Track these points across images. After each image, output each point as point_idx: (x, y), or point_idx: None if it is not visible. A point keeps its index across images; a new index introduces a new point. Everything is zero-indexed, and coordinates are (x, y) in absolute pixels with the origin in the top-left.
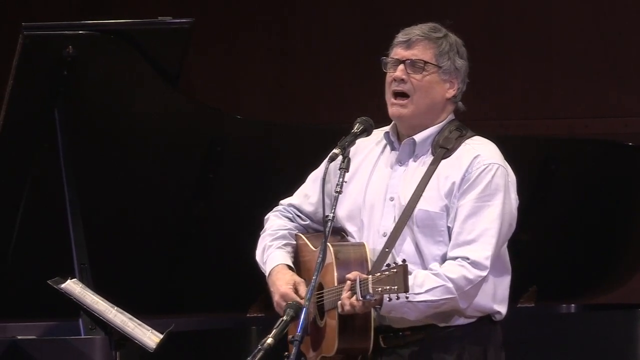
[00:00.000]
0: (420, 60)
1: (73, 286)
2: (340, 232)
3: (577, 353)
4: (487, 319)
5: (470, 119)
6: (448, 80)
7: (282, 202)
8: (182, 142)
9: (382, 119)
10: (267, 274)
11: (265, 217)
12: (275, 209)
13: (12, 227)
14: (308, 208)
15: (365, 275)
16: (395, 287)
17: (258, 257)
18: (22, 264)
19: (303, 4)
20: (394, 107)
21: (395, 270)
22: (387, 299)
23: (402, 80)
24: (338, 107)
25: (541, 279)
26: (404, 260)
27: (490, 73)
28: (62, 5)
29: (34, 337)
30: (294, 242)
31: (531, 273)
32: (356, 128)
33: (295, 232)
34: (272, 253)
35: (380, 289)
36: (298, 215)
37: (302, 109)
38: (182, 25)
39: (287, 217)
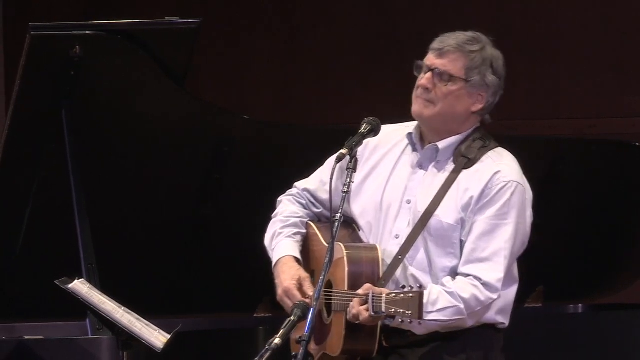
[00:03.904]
0: (446, 73)
1: (80, 286)
2: (351, 225)
3: (584, 353)
4: (490, 326)
5: None
6: (475, 93)
7: (297, 184)
8: (189, 142)
9: (388, 118)
10: (273, 263)
11: (278, 199)
12: (288, 192)
13: (19, 227)
14: (324, 195)
15: (379, 290)
16: (409, 313)
17: (267, 242)
18: (29, 264)
19: (309, 4)
20: (416, 104)
21: (411, 295)
22: (400, 321)
23: (427, 89)
24: (345, 107)
25: (548, 279)
26: (420, 286)
27: None
28: (68, 6)
29: (41, 337)
30: (305, 231)
31: (538, 273)
32: (363, 128)
33: (306, 220)
34: (281, 241)
35: (393, 310)
36: (312, 203)
37: (309, 109)
38: (189, 25)
39: (300, 204)
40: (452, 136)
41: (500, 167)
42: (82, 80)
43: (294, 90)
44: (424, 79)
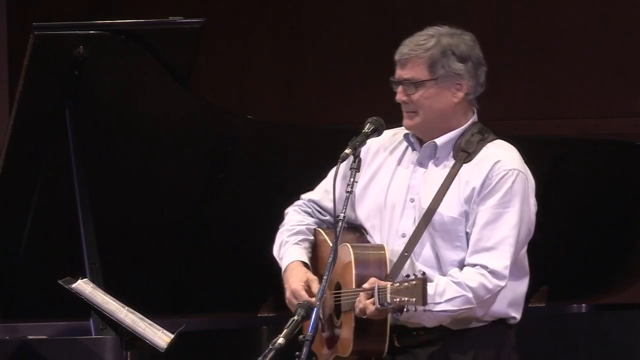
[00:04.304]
0: (411, 81)
1: (84, 286)
2: (359, 229)
3: (588, 353)
4: (501, 322)
5: (481, 119)
6: (450, 85)
7: (302, 196)
8: (192, 142)
9: (391, 119)
10: (282, 270)
11: (285, 211)
12: (295, 203)
13: (23, 227)
14: (329, 204)
15: (384, 283)
16: (414, 300)
17: (275, 252)
18: (32, 264)
19: (312, 5)
20: (405, 120)
21: (414, 282)
22: (406, 310)
23: (405, 102)
24: (346, 107)
25: (552, 278)
26: (423, 273)
27: (500, 74)
28: (71, 5)
29: (44, 337)
30: (312, 238)
31: (542, 273)
32: (367, 128)
33: (313, 227)
34: (288, 249)
35: (398, 300)
36: (318, 211)
37: (311, 109)
38: (193, 25)
39: (306, 212)
40: (448, 132)
41: (500, 156)
42: (86, 80)
43: (297, 90)
44: (398, 93)
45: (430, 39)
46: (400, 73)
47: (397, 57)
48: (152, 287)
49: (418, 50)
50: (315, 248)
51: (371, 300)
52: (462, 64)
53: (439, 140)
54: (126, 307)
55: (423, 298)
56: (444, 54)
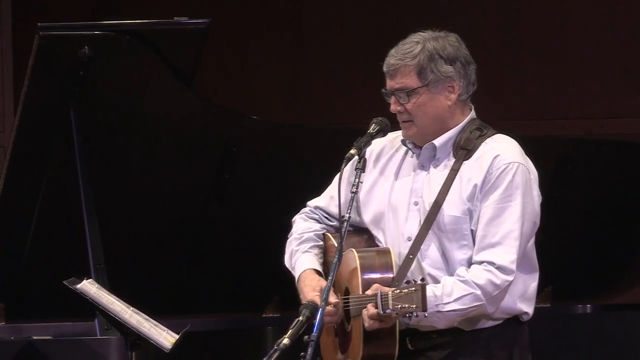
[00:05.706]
0: (403, 90)
1: (89, 286)
2: (367, 232)
3: (592, 353)
4: (514, 320)
5: (485, 119)
6: (443, 89)
7: (308, 203)
8: (197, 142)
9: (395, 119)
10: (296, 280)
11: (292, 219)
12: (301, 210)
13: (28, 228)
14: (335, 210)
15: (386, 289)
16: (414, 306)
17: (287, 263)
18: (37, 264)
19: (317, 6)
20: (402, 129)
21: (414, 288)
22: (408, 317)
23: (399, 112)
24: (352, 107)
25: (557, 279)
26: (422, 279)
27: (505, 74)
28: (74, 6)
29: (49, 337)
30: (322, 243)
31: (547, 273)
32: (372, 128)
33: (322, 232)
34: (299, 258)
35: (399, 306)
36: (325, 217)
37: (316, 109)
38: (198, 25)
39: (313, 219)
40: (447, 132)
41: (499, 150)
42: (91, 80)
43: (299, 90)
44: (392, 103)
45: (415, 45)
46: (390, 84)
47: (385, 68)
48: (157, 287)
49: (405, 59)
50: (325, 253)
51: (374, 306)
52: (450, 66)
53: (437, 141)
54: (131, 308)
55: (423, 304)
56: (432, 59)
